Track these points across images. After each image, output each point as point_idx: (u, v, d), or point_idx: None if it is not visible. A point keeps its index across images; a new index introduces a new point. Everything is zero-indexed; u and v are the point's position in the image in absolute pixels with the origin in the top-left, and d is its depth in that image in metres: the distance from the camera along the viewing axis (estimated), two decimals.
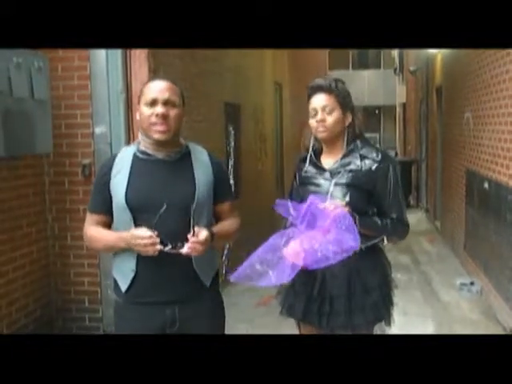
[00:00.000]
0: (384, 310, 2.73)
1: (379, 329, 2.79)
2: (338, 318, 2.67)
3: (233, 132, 7.57)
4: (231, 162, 7.37)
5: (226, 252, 6.71)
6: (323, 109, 2.69)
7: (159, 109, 2.39)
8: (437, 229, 10.50)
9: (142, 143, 2.50)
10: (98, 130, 4.63)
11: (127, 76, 4.56)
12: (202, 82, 6.17)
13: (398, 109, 23.27)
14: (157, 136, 2.41)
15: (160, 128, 2.40)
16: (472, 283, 6.65)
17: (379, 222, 2.68)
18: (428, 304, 6.25)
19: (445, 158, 9.84)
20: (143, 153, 2.49)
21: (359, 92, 26.69)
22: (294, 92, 11.84)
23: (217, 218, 2.63)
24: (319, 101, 2.70)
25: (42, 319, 4.72)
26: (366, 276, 2.70)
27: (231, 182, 7.16)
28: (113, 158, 2.55)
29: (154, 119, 2.39)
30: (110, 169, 2.49)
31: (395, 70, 22.21)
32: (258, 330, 5.11)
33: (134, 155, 2.50)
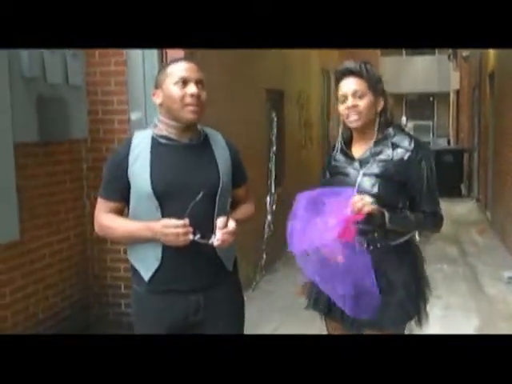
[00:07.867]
0: (412, 309, 2.55)
1: (407, 328, 2.60)
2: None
3: (275, 119, 7.46)
4: (273, 150, 7.28)
5: (265, 240, 6.66)
6: (354, 94, 2.54)
7: (193, 88, 2.31)
8: (487, 219, 10.19)
9: (163, 127, 2.39)
10: (133, 115, 4.61)
11: (163, 62, 4.52)
12: (242, 67, 6.08)
13: (451, 95, 22.66)
14: (190, 117, 2.32)
15: (195, 108, 2.32)
16: None
17: (412, 217, 2.48)
18: (473, 297, 6.01)
19: (497, 146, 9.53)
20: (164, 137, 2.39)
21: (413, 79, 26.18)
22: None
23: (234, 202, 2.55)
24: (349, 85, 2.56)
25: (78, 304, 4.76)
26: (391, 274, 2.50)
27: (272, 169, 7.13)
28: (127, 143, 2.42)
29: (188, 100, 2.30)
30: (127, 155, 2.37)
31: (449, 55, 21.61)
32: (293, 319, 5.05)
33: (153, 140, 2.39)
